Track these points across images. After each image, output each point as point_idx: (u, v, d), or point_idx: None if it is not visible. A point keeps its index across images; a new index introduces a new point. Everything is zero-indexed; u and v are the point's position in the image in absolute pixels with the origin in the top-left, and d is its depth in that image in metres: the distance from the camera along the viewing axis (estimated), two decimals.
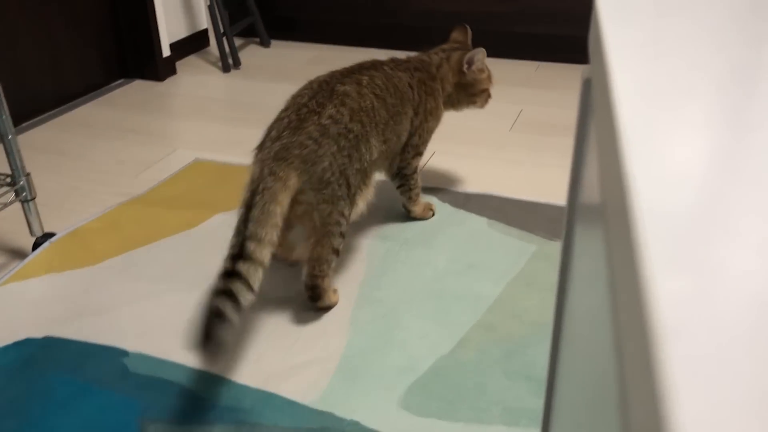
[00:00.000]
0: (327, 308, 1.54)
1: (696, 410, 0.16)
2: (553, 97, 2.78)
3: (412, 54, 1.86)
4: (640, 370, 0.18)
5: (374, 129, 1.55)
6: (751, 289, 0.20)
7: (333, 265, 1.52)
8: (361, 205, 1.58)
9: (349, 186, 1.49)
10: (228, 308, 1.24)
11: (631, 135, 0.27)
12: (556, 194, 2.02)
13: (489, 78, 1.89)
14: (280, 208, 1.37)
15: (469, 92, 1.87)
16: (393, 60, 1.76)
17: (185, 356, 1.40)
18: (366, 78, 1.60)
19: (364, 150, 1.52)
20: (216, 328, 1.21)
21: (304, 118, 1.48)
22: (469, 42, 1.94)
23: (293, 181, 1.41)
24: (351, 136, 1.49)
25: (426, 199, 1.93)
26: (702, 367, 0.17)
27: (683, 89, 0.34)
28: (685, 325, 0.18)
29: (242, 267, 1.30)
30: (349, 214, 1.52)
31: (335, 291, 1.57)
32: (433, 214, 1.90)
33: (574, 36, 3.10)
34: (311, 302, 1.52)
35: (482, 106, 1.92)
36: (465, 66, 1.82)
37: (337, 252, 1.51)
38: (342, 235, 1.50)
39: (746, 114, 0.32)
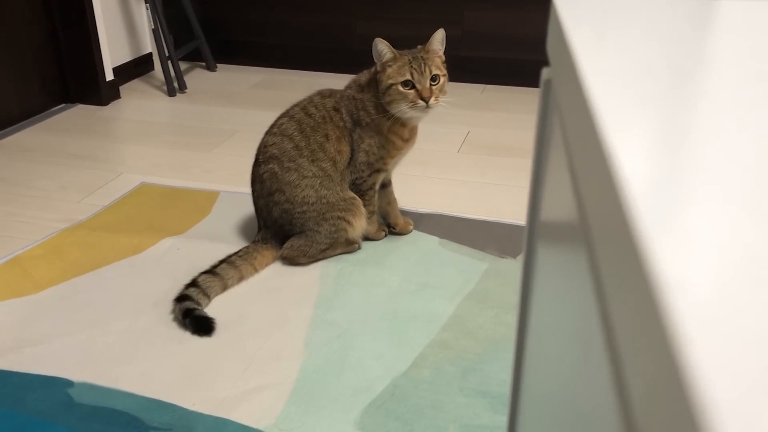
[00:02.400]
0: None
1: (711, 352, 0.16)
2: (499, 118, 2.83)
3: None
4: (643, 330, 0.18)
5: (295, 170, 1.71)
6: (745, 244, 0.20)
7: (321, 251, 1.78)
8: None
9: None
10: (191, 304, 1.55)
11: (605, 113, 0.28)
12: (505, 213, 2.04)
13: (400, 71, 1.65)
14: (250, 267, 1.71)
15: (379, 90, 1.69)
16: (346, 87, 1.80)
17: (133, 384, 1.36)
18: (268, 137, 1.76)
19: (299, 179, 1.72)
20: (195, 317, 1.52)
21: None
22: (434, 44, 1.70)
23: (267, 259, 1.75)
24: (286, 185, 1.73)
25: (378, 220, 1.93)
26: (710, 315, 0.17)
27: (648, 74, 0.34)
28: (686, 280, 0.18)
29: (201, 278, 1.62)
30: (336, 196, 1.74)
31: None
32: (386, 235, 1.90)
33: (517, 60, 3.18)
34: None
35: (403, 108, 1.66)
36: (377, 62, 1.69)
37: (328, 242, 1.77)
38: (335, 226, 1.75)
39: (707, 90, 0.33)
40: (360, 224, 1.77)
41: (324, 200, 1.72)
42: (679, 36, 0.42)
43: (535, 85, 3.21)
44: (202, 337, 1.50)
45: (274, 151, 1.72)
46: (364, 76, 1.78)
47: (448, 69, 1.75)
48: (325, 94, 1.78)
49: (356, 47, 3.31)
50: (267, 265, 1.75)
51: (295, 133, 1.71)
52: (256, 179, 1.76)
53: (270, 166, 1.72)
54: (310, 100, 1.77)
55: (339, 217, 1.73)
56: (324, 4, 3.30)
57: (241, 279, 1.69)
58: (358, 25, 3.29)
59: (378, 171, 1.78)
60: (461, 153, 2.50)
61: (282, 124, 1.74)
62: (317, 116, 1.72)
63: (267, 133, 1.77)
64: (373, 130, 1.73)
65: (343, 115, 1.73)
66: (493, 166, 2.39)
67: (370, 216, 1.83)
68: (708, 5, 0.49)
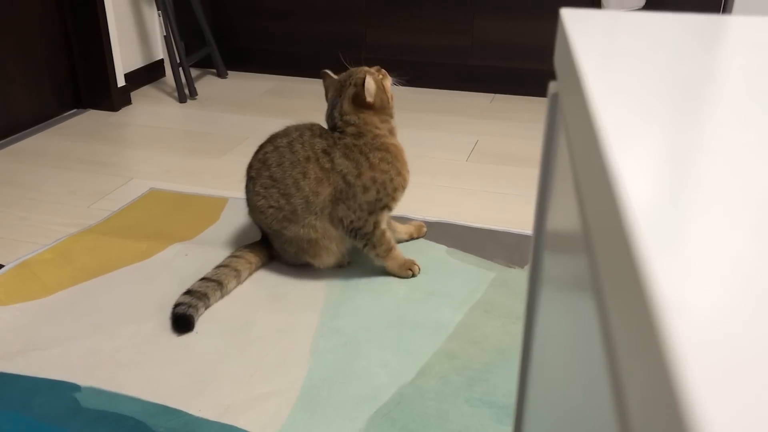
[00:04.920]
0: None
1: (709, 378, 0.16)
2: (508, 128, 2.83)
3: None
4: (642, 349, 0.18)
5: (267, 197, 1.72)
6: (746, 269, 0.20)
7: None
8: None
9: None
10: (190, 303, 1.59)
11: (609, 130, 0.28)
12: (513, 222, 2.04)
13: (380, 84, 1.72)
14: (247, 267, 1.75)
15: (388, 108, 1.74)
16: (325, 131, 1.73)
17: (140, 389, 1.36)
18: (254, 158, 1.77)
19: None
20: (180, 318, 1.57)
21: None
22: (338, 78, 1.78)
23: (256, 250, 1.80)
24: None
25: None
26: (708, 336, 0.17)
27: (653, 92, 0.34)
28: (686, 301, 0.18)
29: (215, 272, 1.69)
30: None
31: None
32: (413, 275, 1.77)
33: (527, 69, 3.18)
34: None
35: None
36: (368, 98, 1.68)
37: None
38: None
39: (712, 108, 0.33)
40: (323, 262, 1.74)
41: (282, 236, 1.72)
42: (687, 53, 0.42)
43: (544, 94, 3.21)
44: (208, 342, 1.50)
45: (253, 173, 1.74)
46: (351, 128, 1.69)
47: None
48: (316, 132, 1.71)
49: (366, 56, 3.32)
50: (259, 254, 1.79)
51: (273, 165, 1.68)
52: (246, 186, 1.79)
53: (249, 184, 1.75)
54: (300, 134, 1.70)
55: (295, 253, 1.74)
56: (335, 13, 3.32)
57: (248, 266, 1.75)
58: (368, 33, 3.30)
59: (383, 208, 1.71)
60: (470, 162, 2.50)
61: (266, 152, 1.71)
62: (301, 155, 1.67)
63: (255, 153, 1.76)
64: (387, 163, 1.69)
65: (335, 159, 1.66)
66: (502, 175, 2.39)
67: (387, 254, 1.74)
68: (716, 22, 0.49)
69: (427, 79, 3.27)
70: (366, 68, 1.76)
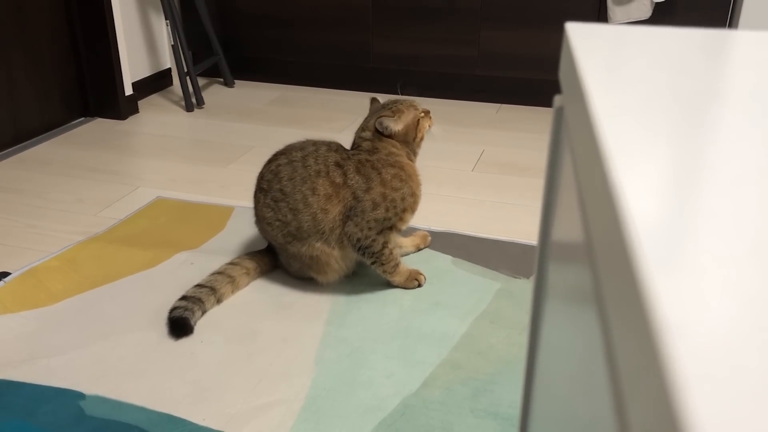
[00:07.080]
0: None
1: (709, 403, 0.16)
2: (514, 138, 2.84)
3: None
4: (643, 369, 0.18)
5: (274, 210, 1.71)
6: (747, 288, 0.20)
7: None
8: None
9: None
10: (186, 306, 1.60)
11: (613, 146, 0.28)
12: (519, 232, 2.04)
13: (413, 118, 1.75)
14: (243, 273, 1.76)
15: (411, 145, 1.77)
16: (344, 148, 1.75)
17: (144, 398, 1.36)
18: (266, 169, 1.75)
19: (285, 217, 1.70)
20: (176, 322, 1.58)
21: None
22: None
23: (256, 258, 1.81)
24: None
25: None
26: (708, 358, 0.17)
27: (657, 107, 0.35)
28: (687, 323, 0.18)
29: (209, 278, 1.70)
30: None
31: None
32: (419, 285, 1.77)
33: (533, 79, 3.18)
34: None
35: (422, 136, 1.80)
36: (394, 127, 1.72)
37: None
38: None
39: (714, 123, 0.33)
40: (328, 278, 1.73)
41: (286, 250, 1.72)
42: (692, 68, 0.42)
43: (550, 104, 3.21)
44: (212, 351, 1.51)
45: (264, 185, 1.71)
46: (366, 143, 1.72)
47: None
48: (332, 147, 1.71)
49: (373, 65, 3.33)
50: (259, 262, 1.79)
51: (285, 179, 1.67)
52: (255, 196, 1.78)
53: (259, 195, 1.73)
54: (316, 149, 1.69)
55: (300, 268, 1.74)
56: (341, 23, 3.33)
57: (244, 273, 1.76)
58: (374, 43, 3.31)
59: (391, 228, 1.69)
60: (475, 172, 2.50)
61: (279, 165, 1.70)
62: (312, 169, 1.65)
63: (267, 163, 1.74)
64: (400, 180, 1.67)
65: (348, 174, 1.65)
66: (508, 185, 2.39)
67: (394, 270, 1.73)
68: (721, 37, 0.49)
69: (433, 89, 3.28)
70: (416, 103, 1.78)
